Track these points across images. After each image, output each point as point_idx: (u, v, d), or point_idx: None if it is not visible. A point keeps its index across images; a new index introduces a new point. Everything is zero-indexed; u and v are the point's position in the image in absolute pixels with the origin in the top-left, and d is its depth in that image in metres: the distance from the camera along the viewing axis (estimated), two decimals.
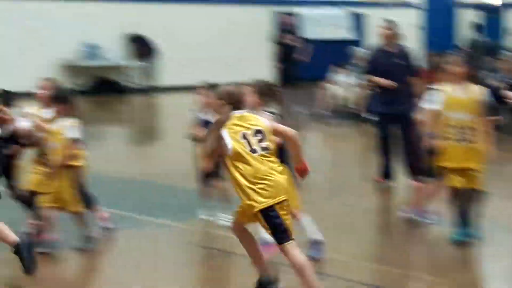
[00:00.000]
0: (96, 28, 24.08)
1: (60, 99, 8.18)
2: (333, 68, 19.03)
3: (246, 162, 6.33)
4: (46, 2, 23.60)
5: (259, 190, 6.30)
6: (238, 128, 6.43)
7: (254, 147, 6.38)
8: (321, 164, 12.83)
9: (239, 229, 6.72)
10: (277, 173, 6.39)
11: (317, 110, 18.46)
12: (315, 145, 15.81)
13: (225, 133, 6.42)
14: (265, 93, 7.41)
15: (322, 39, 25.01)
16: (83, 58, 24.06)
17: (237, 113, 6.51)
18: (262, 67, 24.98)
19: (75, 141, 8.11)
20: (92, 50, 24.16)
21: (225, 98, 6.57)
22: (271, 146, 6.46)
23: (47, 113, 8.28)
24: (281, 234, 6.35)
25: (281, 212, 6.34)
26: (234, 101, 6.51)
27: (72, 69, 23.83)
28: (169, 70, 24.88)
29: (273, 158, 6.44)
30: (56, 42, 23.50)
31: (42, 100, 8.56)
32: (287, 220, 6.38)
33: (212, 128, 6.58)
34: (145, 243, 8.71)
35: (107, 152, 14.55)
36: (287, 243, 6.35)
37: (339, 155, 15.18)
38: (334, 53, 21.64)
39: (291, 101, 19.60)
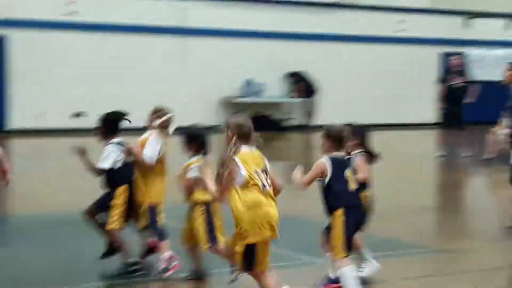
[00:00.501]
0: (256, 64, 24.15)
1: (191, 140, 7.87)
2: (503, 112, 18.11)
3: (254, 192, 6.42)
4: (211, 38, 23.85)
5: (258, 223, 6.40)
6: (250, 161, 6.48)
7: (264, 182, 6.47)
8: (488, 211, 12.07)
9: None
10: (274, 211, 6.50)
11: (486, 155, 17.64)
12: (481, 191, 14.99)
13: (239, 162, 6.42)
14: (358, 134, 7.63)
15: (489, 80, 24.04)
16: (244, 94, 24.14)
17: (247, 148, 6.47)
18: (426, 108, 24.28)
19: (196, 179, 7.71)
20: (253, 87, 24.19)
21: (235, 130, 6.51)
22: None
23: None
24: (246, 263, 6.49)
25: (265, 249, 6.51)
26: (243, 134, 6.49)
27: (233, 105, 23.94)
28: (328, 108, 24.54)
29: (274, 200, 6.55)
30: (218, 78, 23.70)
31: None
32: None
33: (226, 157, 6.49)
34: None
35: None
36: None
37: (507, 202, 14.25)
38: (501, 95, 20.69)
39: (456, 144, 18.87)
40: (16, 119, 21.43)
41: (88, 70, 22.19)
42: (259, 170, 6.51)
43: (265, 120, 24.18)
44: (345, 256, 7.02)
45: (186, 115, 24.04)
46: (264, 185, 6.48)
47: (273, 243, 6.60)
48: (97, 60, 22.35)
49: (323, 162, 7.06)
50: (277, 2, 24.91)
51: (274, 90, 24.67)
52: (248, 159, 6.49)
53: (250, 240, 6.45)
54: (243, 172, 6.42)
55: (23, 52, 21.22)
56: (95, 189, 8.40)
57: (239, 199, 6.43)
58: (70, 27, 22.00)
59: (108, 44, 22.51)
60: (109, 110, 8.37)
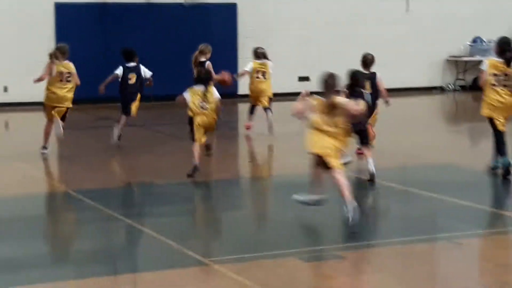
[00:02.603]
0: (484, 21, 23.28)
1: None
2: None
3: None
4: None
5: None
6: None
7: None
8: None
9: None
10: None
11: None
12: None
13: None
14: None
15: None
16: (471, 53, 23.35)
17: None
18: None
19: None
20: (480, 45, 23.34)
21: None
22: None
23: None
24: None
25: None
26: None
27: (460, 64, 23.27)
28: None
29: None
30: (443, 36, 23.11)
31: None
32: None
33: None
34: None
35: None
36: None
37: None
38: None
39: None
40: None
41: (311, 35, 22.26)
42: None
43: None
44: None
45: (412, 76, 23.65)
46: None
47: None
48: (320, 25, 22.36)
49: None
50: None
51: None
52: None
53: None
54: None
55: (250, 17, 21.60)
56: None
57: None
58: None
59: (330, 8, 22.45)
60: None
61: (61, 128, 13.17)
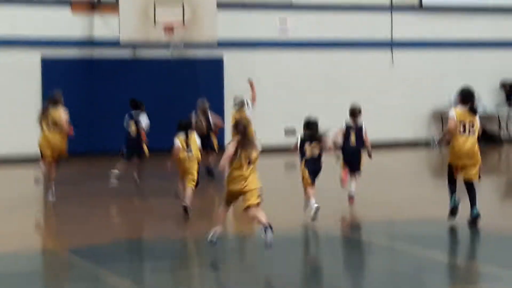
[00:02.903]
0: (469, 74, 23.50)
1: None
2: None
3: None
4: (417, 50, 23.45)
5: None
6: None
7: None
8: None
9: None
10: None
11: None
12: None
13: None
14: None
15: None
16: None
17: None
18: None
19: None
20: None
21: None
22: None
23: None
24: None
25: None
26: None
27: (444, 117, 23.45)
28: None
29: None
30: (428, 90, 23.29)
31: None
32: None
33: None
34: None
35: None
36: None
37: None
38: None
39: None
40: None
41: (297, 87, 22.39)
42: None
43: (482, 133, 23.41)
44: None
45: (397, 129, 23.76)
46: None
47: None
48: (306, 77, 22.51)
49: None
50: (485, 10, 24.09)
51: (488, 100, 23.81)
52: None
53: None
54: None
55: (235, 71, 21.71)
56: None
57: None
58: (282, 45, 22.32)
59: (317, 60, 22.63)
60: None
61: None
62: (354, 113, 13.14)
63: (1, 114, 19.91)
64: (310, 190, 11.65)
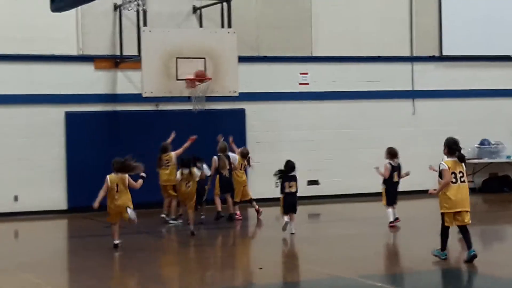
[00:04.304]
0: (492, 123, 23.52)
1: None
2: None
3: None
4: (440, 99, 23.50)
5: None
6: None
7: None
8: None
9: None
10: None
11: None
12: None
13: None
14: None
15: None
16: (479, 155, 23.40)
17: None
18: None
19: None
20: (489, 147, 23.44)
21: None
22: None
23: None
24: None
25: None
26: None
27: (467, 166, 23.32)
28: None
29: None
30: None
31: None
32: None
33: None
34: None
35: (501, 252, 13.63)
36: None
37: None
38: None
39: None
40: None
41: (318, 138, 22.45)
42: None
43: (504, 181, 23.39)
44: None
45: (420, 178, 23.71)
46: None
47: None
48: (327, 128, 22.57)
49: None
50: (505, 59, 24.14)
51: (510, 149, 23.74)
52: None
53: None
54: None
55: (258, 121, 21.86)
56: None
57: None
58: (298, 97, 22.45)
59: (337, 112, 22.70)
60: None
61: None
62: (393, 153, 16.39)
63: (25, 169, 20.05)
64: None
